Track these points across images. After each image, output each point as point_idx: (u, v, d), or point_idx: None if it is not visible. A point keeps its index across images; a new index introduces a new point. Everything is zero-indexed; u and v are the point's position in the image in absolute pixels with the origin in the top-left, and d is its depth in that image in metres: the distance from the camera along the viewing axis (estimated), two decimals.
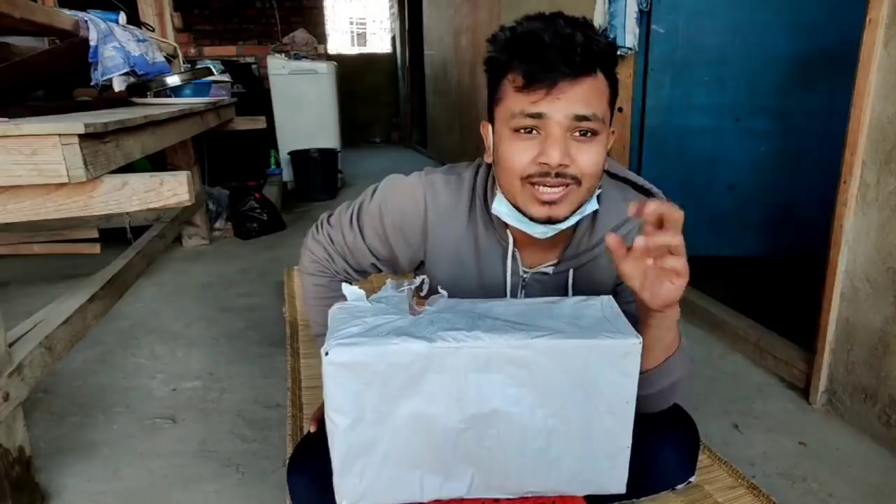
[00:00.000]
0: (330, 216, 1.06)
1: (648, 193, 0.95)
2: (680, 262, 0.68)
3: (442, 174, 0.95)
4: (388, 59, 8.94)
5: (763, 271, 2.46)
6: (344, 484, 0.74)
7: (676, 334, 0.84)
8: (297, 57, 4.57)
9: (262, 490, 1.25)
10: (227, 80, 3.20)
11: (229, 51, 4.90)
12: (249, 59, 4.81)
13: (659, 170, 2.40)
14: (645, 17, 2.23)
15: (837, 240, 1.41)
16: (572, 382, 0.71)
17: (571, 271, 0.93)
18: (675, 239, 0.66)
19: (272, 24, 6.51)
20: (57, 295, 1.55)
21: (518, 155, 0.79)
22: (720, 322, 1.91)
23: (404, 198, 0.94)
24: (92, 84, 1.82)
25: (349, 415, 0.70)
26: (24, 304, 2.19)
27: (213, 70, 2.65)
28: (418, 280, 0.83)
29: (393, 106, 8.86)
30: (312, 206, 4.10)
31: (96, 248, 2.87)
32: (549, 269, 0.94)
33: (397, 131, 8.72)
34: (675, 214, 0.66)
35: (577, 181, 0.80)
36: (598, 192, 0.87)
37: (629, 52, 2.11)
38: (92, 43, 1.73)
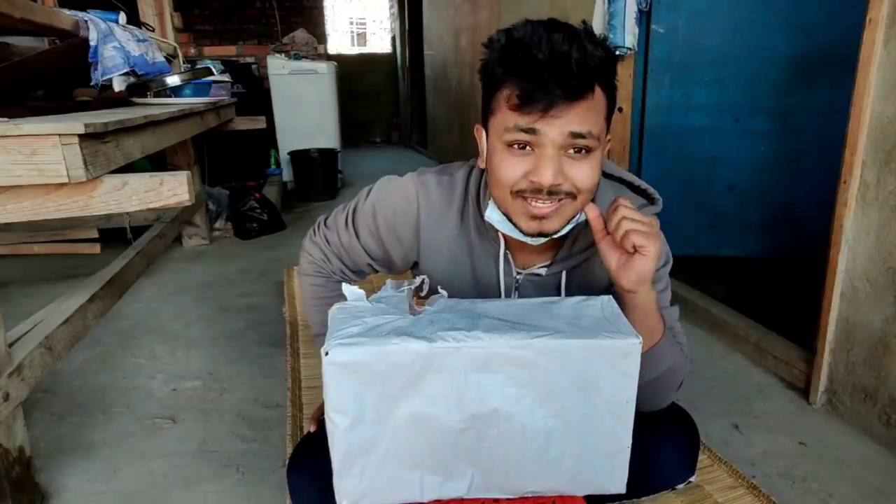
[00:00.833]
0: (326, 218, 1.07)
1: (645, 194, 0.95)
2: (640, 225, 0.75)
3: (435, 174, 0.95)
4: (388, 59, 8.95)
5: (763, 271, 2.46)
6: (344, 484, 0.74)
7: (659, 322, 0.85)
8: (297, 57, 4.57)
9: (262, 490, 1.25)
10: (227, 80, 3.20)
11: (229, 51, 4.90)
12: (249, 59, 4.81)
13: (659, 170, 2.40)
14: (645, 17, 2.23)
15: (837, 240, 1.41)
16: (572, 382, 0.71)
17: (564, 272, 0.94)
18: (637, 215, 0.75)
19: (272, 24, 6.51)
20: (57, 295, 1.55)
21: (510, 169, 0.78)
22: (720, 322, 1.91)
23: (397, 197, 0.95)
24: (92, 84, 1.82)
25: (349, 415, 0.70)
26: (24, 304, 2.19)
27: (213, 70, 2.65)
28: (418, 280, 0.83)
29: (393, 106, 8.86)
30: (312, 206, 4.10)
31: (96, 248, 2.87)
32: (542, 271, 0.94)
33: (397, 131, 8.72)
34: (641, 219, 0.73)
35: (572, 196, 0.79)
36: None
37: (629, 52, 2.11)
38: (92, 43, 1.73)
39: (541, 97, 0.73)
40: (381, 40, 14.97)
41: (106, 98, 2.12)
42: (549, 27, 0.75)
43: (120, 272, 1.83)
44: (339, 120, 4.69)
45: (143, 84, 2.12)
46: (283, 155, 4.47)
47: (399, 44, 8.34)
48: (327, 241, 1.04)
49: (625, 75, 2.25)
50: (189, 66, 2.92)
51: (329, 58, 5.35)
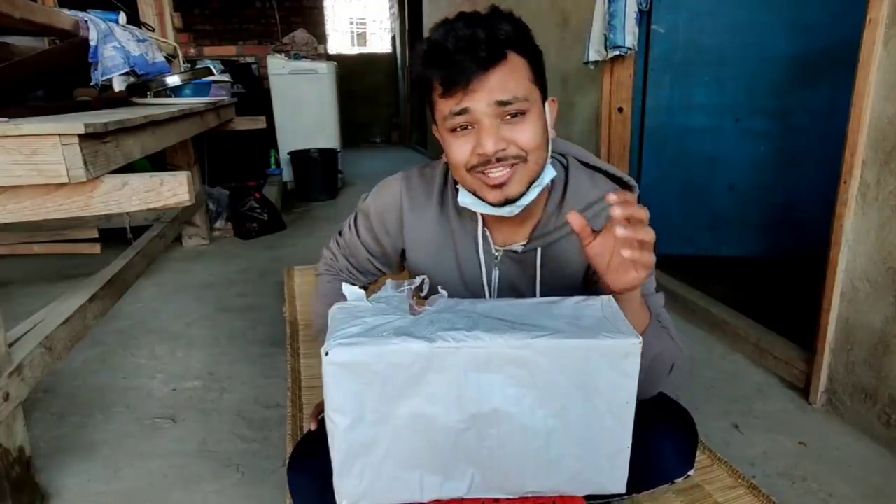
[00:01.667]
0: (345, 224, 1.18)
1: (621, 182, 0.99)
2: (649, 257, 0.73)
3: (419, 169, 1.05)
4: (388, 59, 8.95)
5: (763, 271, 2.46)
6: (344, 484, 0.74)
7: (643, 311, 0.87)
8: (297, 57, 4.57)
9: (262, 490, 1.25)
10: (227, 80, 3.20)
11: (229, 51, 4.90)
12: (249, 59, 4.81)
13: (659, 170, 2.40)
14: (645, 17, 2.23)
15: (837, 240, 1.41)
16: (572, 382, 0.71)
17: (539, 250, 0.97)
18: (649, 235, 0.71)
19: (272, 24, 6.52)
20: (57, 295, 1.55)
21: (458, 150, 0.85)
22: (720, 322, 1.91)
23: (386, 191, 1.05)
24: (92, 84, 1.82)
25: (349, 415, 0.70)
26: (24, 304, 2.19)
27: (213, 70, 2.65)
28: (418, 280, 0.83)
29: (393, 106, 8.86)
30: (312, 206, 4.10)
31: (96, 248, 2.87)
32: (519, 248, 0.97)
33: (397, 131, 8.72)
34: (640, 213, 0.71)
35: (523, 158, 0.84)
36: (558, 162, 0.94)
37: (629, 52, 2.11)
38: (92, 43, 1.73)
39: (457, 76, 0.80)
40: (381, 40, 14.98)
41: (106, 98, 2.12)
42: (458, 19, 0.83)
43: (120, 272, 1.83)
44: (339, 120, 4.69)
45: (143, 84, 2.12)
46: (283, 155, 4.47)
47: (399, 44, 8.34)
48: (337, 242, 1.15)
49: (625, 75, 2.25)
50: (189, 66, 2.92)
51: (329, 58, 5.35)
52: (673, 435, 1.00)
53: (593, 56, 2.19)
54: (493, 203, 0.88)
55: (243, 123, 3.18)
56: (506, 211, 0.89)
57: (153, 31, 2.63)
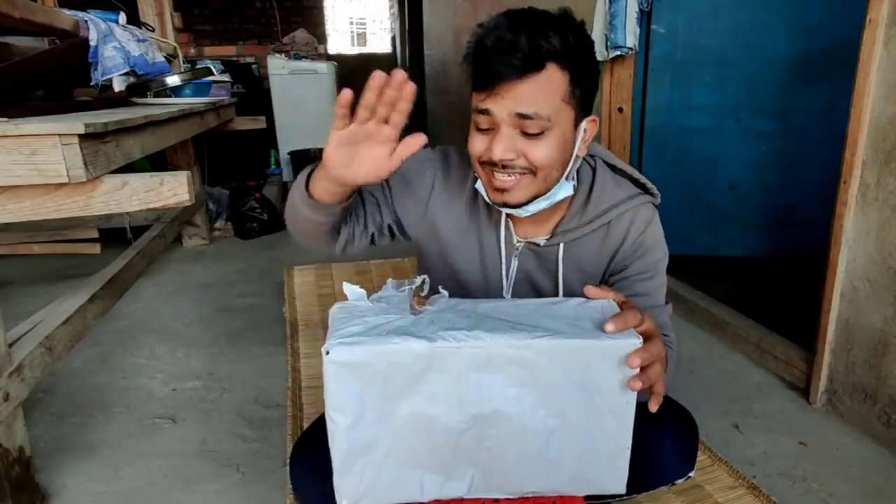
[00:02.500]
0: None
1: (644, 187, 0.99)
2: (657, 375, 0.72)
3: (458, 150, 1.03)
4: (388, 59, 8.95)
5: (763, 271, 2.46)
6: (344, 483, 0.74)
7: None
8: (297, 57, 4.57)
9: (262, 490, 1.25)
10: (227, 80, 3.20)
11: (229, 51, 4.90)
12: (249, 59, 4.81)
13: (659, 170, 2.40)
14: (645, 17, 2.23)
15: (837, 240, 1.41)
16: (573, 383, 0.71)
17: (562, 245, 0.97)
18: (655, 372, 0.71)
19: (272, 24, 6.51)
20: (57, 295, 1.55)
21: (475, 143, 0.87)
22: (721, 322, 1.91)
23: (422, 155, 1.00)
24: (92, 84, 1.82)
25: (350, 414, 0.70)
26: (24, 304, 2.19)
27: (213, 70, 2.65)
28: (419, 280, 0.83)
29: None
30: None
31: (96, 248, 2.87)
32: (541, 241, 0.98)
33: None
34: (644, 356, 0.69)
35: (531, 171, 0.85)
36: (570, 180, 0.93)
37: (629, 52, 2.11)
38: (92, 43, 1.73)
39: (486, 77, 0.81)
40: (381, 40, 14.97)
41: (106, 98, 2.12)
42: (510, 15, 0.82)
43: (120, 272, 1.83)
44: None
45: (143, 84, 2.12)
46: (283, 155, 4.47)
47: (399, 44, 8.34)
48: None
49: (625, 75, 2.25)
50: (189, 66, 2.92)
51: (329, 58, 5.35)
52: (674, 436, 1.00)
53: None
54: (493, 201, 0.90)
55: (243, 123, 3.18)
56: (513, 211, 0.90)
57: (153, 31, 2.63)
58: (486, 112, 0.83)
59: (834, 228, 1.42)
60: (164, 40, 2.72)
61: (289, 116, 4.45)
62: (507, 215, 0.97)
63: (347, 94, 0.71)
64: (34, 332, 1.28)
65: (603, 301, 0.79)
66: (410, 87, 0.70)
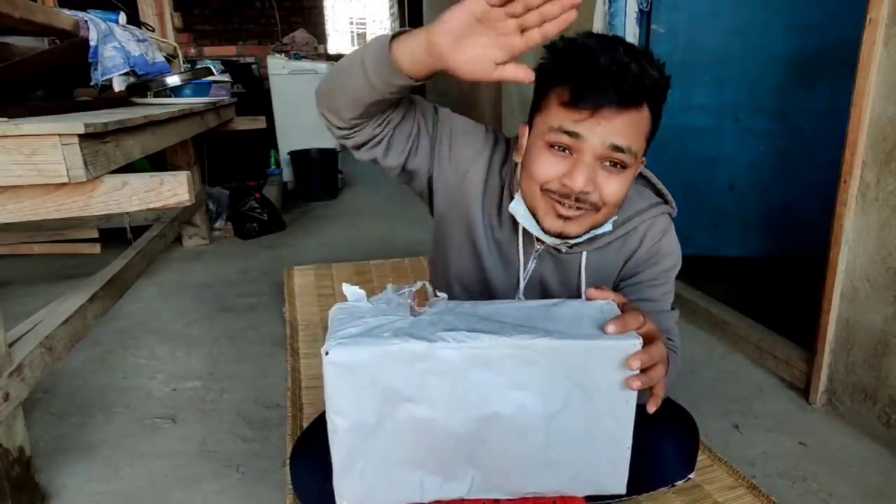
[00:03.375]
0: None
1: (663, 197, 1.00)
2: (658, 375, 0.72)
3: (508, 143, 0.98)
4: None
5: (763, 271, 2.46)
6: (344, 484, 0.74)
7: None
8: (297, 57, 4.57)
9: (262, 490, 1.25)
10: (227, 80, 3.20)
11: (229, 51, 4.90)
12: (249, 59, 4.81)
13: (659, 170, 2.36)
14: (645, 17, 2.23)
15: (837, 240, 1.41)
16: (573, 383, 0.71)
17: (585, 253, 0.96)
18: (658, 373, 0.71)
19: (272, 24, 6.51)
20: (57, 295, 1.55)
21: (545, 167, 0.82)
22: (720, 322, 1.91)
23: (480, 129, 0.98)
24: (92, 84, 1.82)
25: (350, 415, 0.70)
26: (24, 304, 2.19)
27: (213, 70, 2.65)
28: (419, 284, 0.83)
29: None
30: (312, 206, 4.10)
31: (96, 248, 2.87)
32: (563, 247, 0.95)
33: None
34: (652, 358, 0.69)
35: (596, 207, 0.83)
36: (614, 218, 0.90)
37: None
38: (92, 43, 1.73)
39: (592, 97, 0.76)
40: None
41: (106, 98, 2.12)
42: (614, 40, 0.79)
43: (120, 272, 1.83)
44: None
45: (143, 84, 2.12)
46: (283, 155, 4.46)
47: None
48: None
49: None
50: (189, 66, 2.92)
51: (329, 58, 5.35)
52: (674, 438, 1.00)
53: None
54: (548, 230, 0.85)
55: (243, 123, 3.18)
56: (548, 240, 0.88)
57: (153, 31, 2.63)
58: (574, 135, 0.78)
59: (834, 228, 1.42)
60: (164, 40, 2.72)
61: (289, 116, 4.45)
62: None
63: None
64: (34, 332, 1.28)
65: (602, 302, 0.79)
66: (570, 17, 0.62)
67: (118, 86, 2.00)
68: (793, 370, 1.62)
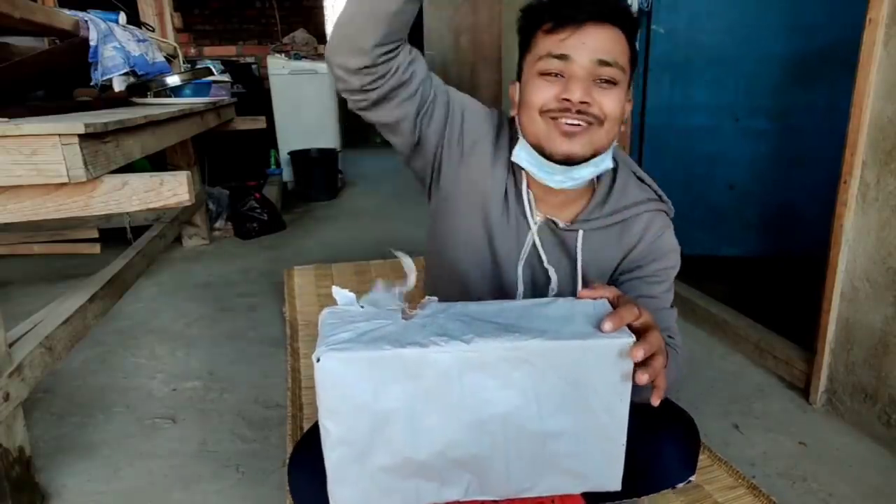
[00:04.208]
0: None
1: (660, 199, 1.00)
2: (660, 365, 0.71)
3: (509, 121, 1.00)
4: None
5: (763, 271, 2.46)
6: (338, 492, 0.73)
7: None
8: (297, 57, 4.57)
9: (262, 490, 1.25)
10: (227, 80, 3.20)
11: (229, 51, 4.91)
12: (249, 59, 4.81)
13: (659, 170, 2.38)
14: (645, 17, 2.23)
15: (837, 240, 1.41)
16: (567, 383, 0.71)
17: (582, 232, 0.97)
18: (659, 363, 0.70)
19: (272, 24, 6.50)
20: (57, 295, 1.55)
21: (541, 92, 0.85)
22: (720, 322, 1.91)
23: (484, 109, 1.00)
24: (92, 84, 1.82)
25: (343, 422, 0.70)
26: (24, 304, 2.19)
27: (213, 70, 2.65)
28: (410, 284, 0.83)
29: None
30: (312, 206, 4.10)
31: (96, 248, 2.87)
32: (561, 223, 0.97)
33: None
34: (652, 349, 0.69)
35: (599, 121, 0.85)
36: (613, 146, 0.92)
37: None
38: (92, 43, 1.73)
39: (572, 14, 0.81)
40: None
41: (106, 98, 2.12)
42: None
43: (120, 272, 1.83)
44: (340, 120, 4.69)
45: (143, 84, 2.12)
46: (283, 155, 4.47)
47: None
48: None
49: None
50: (189, 66, 2.92)
51: None
52: (674, 440, 1.00)
53: None
54: (556, 154, 0.86)
55: (243, 123, 3.18)
56: (556, 179, 0.88)
57: (153, 31, 2.63)
58: (562, 57, 0.82)
59: (834, 228, 1.42)
60: (164, 40, 2.72)
61: (289, 116, 4.45)
62: (529, 190, 0.96)
63: None
64: (34, 332, 1.28)
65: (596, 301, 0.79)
66: None
67: (118, 86, 2.00)
68: (793, 370, 1.62)
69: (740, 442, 1.40)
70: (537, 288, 1.01)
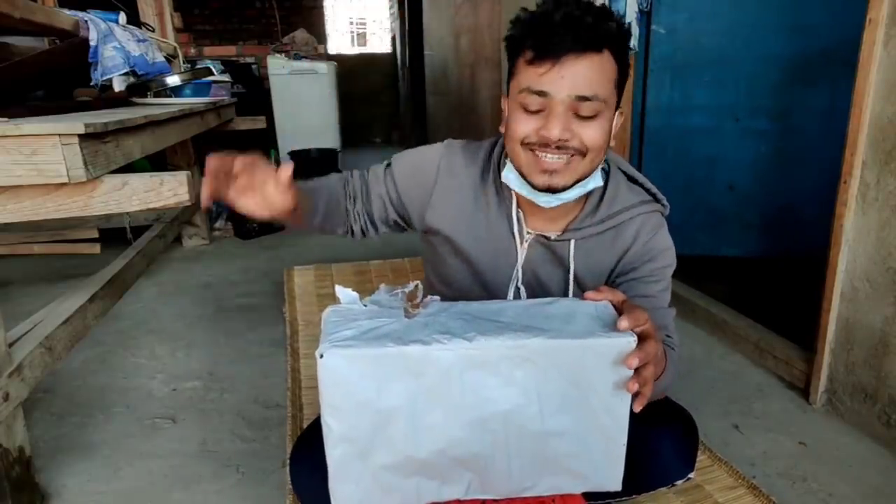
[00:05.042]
0: None
1: (655, 198, 1.01)
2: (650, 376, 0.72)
3: (464, 142, 1.05)
4: (388, 59, 8.94)
5: (763, 271, 2.46)
6: (339, 489, 0.73)
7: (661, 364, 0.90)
8: (297, 57, 4.57)
9: (262, 490, 1.25)
10: (227, 80, 3.20)
11: (229, 51, 4.90)
12: (249, 59, 4.81)
13: (659, 170, 2.40)
14: (645, 18, 2.23)
15: (837, 240, 1.41)
16: (568, 382, 0.71)
17: (573, 241, 0.98)
18: (648, 372, 0.71)
19: (272, 24, 6.51)
20: (57, 295, 1.55)
21: (522, 124, 0.86)
22: (720, 322, 1.91)
23: (427, 150, 1.06)
24: (92, 84, 1.82)
25: (345, 419, 0.70)
26: (24, 304, 2.19)
27: (213, 70, 2.65)
28: (412, 285, 0.83)
29: (393, 106, 8.85)
30: None
31: (96, 248, 2.87)
32: (552, 235, 0.98)
33: (397, 131, 8.71)
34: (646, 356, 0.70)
35: (581, 153, 0.85)
36: (601, 167, 0.94)
37: (630, 52, 2.11)
38: (92, 43, 1.73)
39: (553, 46, 0.80)
40: (381, 40, 14.96)
41: (106, 98, 2.12)
42: (568, 1, 0.84)
43: (120, 272, 1.83)
44: (339, 120, 4.68)
45: (143, 84, 2.12)
46: (283, 155, 4.46)
47: (399, 44, 8.33)
48: (363, 170, 1.11)
49: None
50: (189, 66, 2.92)
51: (329, 58, 5.35)
52: (673, 437, 1.00)
53: None
54: (537, 186, 0.88)
55: (243, 123, 3.18)
56: (542, 200, 0.90)
57: (153, 31, 2.63)
58: (541, 94, 0.82)
59: (834, 228, 1.42)
60: (164, 40, 2.72)
61: (289, 116, 4.45)
62: (518, 206, 0.98)
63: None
64: (34, 332, 1.28)
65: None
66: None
67: (118, 86, 2.00)
68: (793, 370, 1.62)
69: (740, 442, 1.40)
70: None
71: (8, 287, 2.48)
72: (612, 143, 0.91)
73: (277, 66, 4.37)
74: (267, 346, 1.91)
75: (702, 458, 1.27)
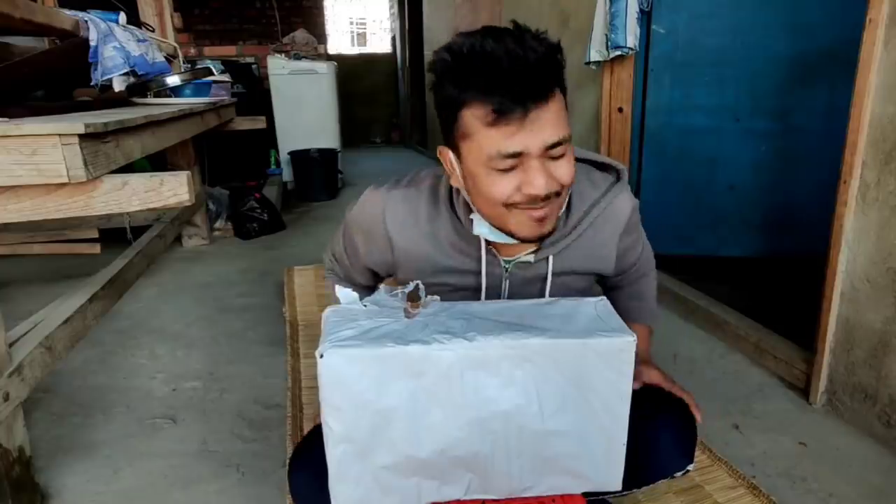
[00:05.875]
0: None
1: (611, 168, 1.00)
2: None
3: (402, 189, 0.98)
4: (388, 59, 8.94)
5: (763, 271, 2.46)
6: (340, 490, 0.73)
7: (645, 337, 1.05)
8: (297, 57, 4.57)
9: (262, 490, 1.25)
10: (227, 80, 3.20)
11: (229, 51, 4.91)
12: (249, 59, 4.81)
13: (659, 170, 2.40)
14: (645, 17, 2.23)
15: (837, 240, 1.41)
16: (568, 381, 0.71)
17: (551, 257, 0.96)
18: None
19: (272, 24, 6.51)
20: (57, 295, 1.55)
21: (500, 188, 0.79)
22: (720, 322, 1.91)
23: (368, 210, 1.00)
24: (92, 84, 1.82)
25: (345, 419, 0.70)
26: (24, 304, 2.19)
27: (213, 70, 2.65)
28: (412, 285, 0.83)
29: (393, 106, 8.86)
30: (312, 206, 4.10)
31: (96, 248, 2.87)
32: (531, 258, 0.96)
33: (397, 131, 8.72)
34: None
35: (558, 194, 0.82)
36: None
37: (630, 52, 2.11)
38: (92, 43, 1.73)
39: (513, 107, 0.73)
40: (381, 40, 14.96)
41: (106, 98, 2.12)
42: (489, 35, 0.75)
43: (120, 272, 1.83)
44: (339, 120, 4.69)
45: (143, 84, 2.12)
46: (283, 155, 4.47)
47: (399, 44, 8.34)
48: (333, 253, 1.17)
49: (625, 75, 2.25)
50: (189, 66, 2.92)
51: (329, 58, 5.35)
52: (671, 429, 1.00)
53: (594, 56, 2.19)
54: (528, 239, 0.85)
55: (243, 123, 3.18)
56: (515, 240, 0.88)
57: (153, 31, 2.63)
58: (515, 155, 0.76)
59: (834, 228, 1.42)
60: (164, 40, 2.72)
61: (289, 116, 4.45)
62: (488, 243, 0.94)
63: None
64: (34, 332, 1.28)
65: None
66: None
67: (118, 86, 2.00)
68: (793, 370, 1.62)
69: (740, 442, 1.40)
70: None
71: (8, 287, 2.48)
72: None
73: (277, 66, 4.37)
74: (267, 346, 1.91)
75: (702, 458, 1.27)
